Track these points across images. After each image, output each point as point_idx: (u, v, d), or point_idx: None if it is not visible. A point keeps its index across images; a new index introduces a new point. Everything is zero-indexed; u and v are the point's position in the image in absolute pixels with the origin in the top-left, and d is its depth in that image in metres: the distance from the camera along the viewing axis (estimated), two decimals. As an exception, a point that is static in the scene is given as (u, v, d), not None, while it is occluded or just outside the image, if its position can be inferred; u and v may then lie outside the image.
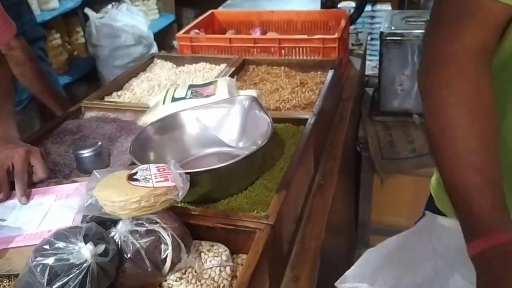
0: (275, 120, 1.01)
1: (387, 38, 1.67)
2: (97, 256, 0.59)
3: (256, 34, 1.69)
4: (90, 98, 1.27)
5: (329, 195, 1.06)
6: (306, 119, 1.05)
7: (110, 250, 0.61)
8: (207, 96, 1.03)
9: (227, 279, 0.69)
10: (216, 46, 1.53)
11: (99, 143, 0.97)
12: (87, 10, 2.95)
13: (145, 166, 0.72)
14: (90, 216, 0.68)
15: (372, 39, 2.36)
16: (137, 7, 3.36)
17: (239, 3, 2.41)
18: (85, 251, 0.58)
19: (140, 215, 0.65)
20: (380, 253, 0.50)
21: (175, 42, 1.63)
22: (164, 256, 0.65)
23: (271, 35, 1.67)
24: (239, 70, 1.41)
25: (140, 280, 0.65)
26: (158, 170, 0.70)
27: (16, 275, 0.67)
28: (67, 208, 0.76)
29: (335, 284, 0.49)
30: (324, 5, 1.93)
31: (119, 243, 0.64)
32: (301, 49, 1.45)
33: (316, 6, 2.00)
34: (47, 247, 0.59)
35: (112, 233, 0.65)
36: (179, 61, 1.51)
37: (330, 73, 1.28)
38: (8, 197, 0.85)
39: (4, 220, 0.80)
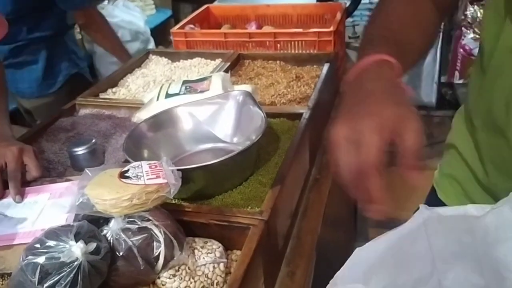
0: (270, 115, 1.00)
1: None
2: (88, 254, 0.59)
3: (252, 28, 1.68)
4: (85, 95, 1.27)
5: (325, 189, 1.05)
6: (301, 114, 1.04)
7: (102, 248, 0.61)
8: (201, 92, 1.02)
9: (221, 276, 0.68)
10: (211, 41, 1.52)
11: (94, 141, 0.96)
12: (84, 6, 2.93)
13: (137, 163, 0.72)
14: (83, 214, 0.67)
15: (369, 31, 2.35)
16: (134, 3, 3.34)
17: (235, -2, 2.40)
18: (76, 250, 0.58)
19: (132, 212, 0.65)
20: (371, 251, 0.50)
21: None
22: (156, 254, 0.64)
23: (266, 29, 1.66)
24: (235, 65, 1.41)
25: (133, 277, 0.65)
26: (150, 167, 0.70)
27: (10, 274, 0.67)
28: (60, 207, 0.76)
29: (327, 287, 0.48)
30: (320, -2, 1.92)
31: (111, 241, 0.64)
32: (296, 42, 1.45)
33: (312, -1, 1.98)
34: (38, 245, 0.59)
35: (104, 231, 0.65)
36: (174, 57, 1.50)
37: (326, 67, 1.28)
38: (2, 196, 0.85)
39: (5, 216, 0.79)
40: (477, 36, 2.66)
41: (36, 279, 0.56)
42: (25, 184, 0.87)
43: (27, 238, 0.73)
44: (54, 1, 1.56)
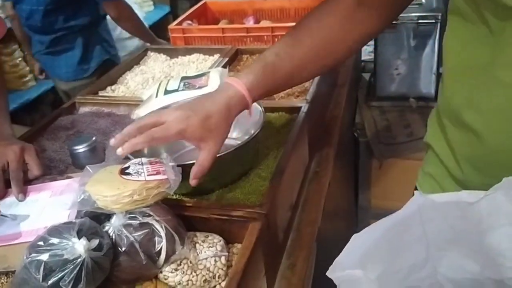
0: (268, 109, 1.01)
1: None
2: (91, 251, 0.60)
3: (249, 23, 1.69)
4: (84, 93, 1.27)
5: (325, 182, 1.06)
6: (300, 107, 1.05)
7: (104, 244, 0.62)
8: (199, 88, 1.03)
9: (222, 269, 0.69)
10: (209, 37, 1.52)
11: (94, 138, 0.97)
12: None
13: (138, 160, 0.72)
14: (85, 211, 0.68)
15: (367, 24, 2.34)
16: None
17: (233, -8, 2.39)
18: (79, 246, 0.59)
19: (133, 208, 0.66)
20: (368, 237, 0.50)
21: (171, 34, 1.63)
22: (158, 249, 0.65)
23: (264, 23, 1.66)
24: (233, 60, 1.41)
25: (135, 273, 0.66)
26: (150, 164, 0.70)
27: (14, 272, 0.68)
28: (61, 204, 0.76)
29: (327, 273, 0.49)
30: (317, -9, 1.92)
31: (113, 237, 0.65)
32: (294, 36, 1.45)
33: (308, -8, 1.98)
34: (41, 243, 0.60)
35: (106, 227, 0.66)
36: (172, 53, 1.51)
37: (323, 60, 1.28)
38: (4, 195, 0.86)
39: (15, 219, 0.80)
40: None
41: (40, 276, 0.57)
42: (26, 182, 0.88)
43: (29, 236, 0.74)
44: None
